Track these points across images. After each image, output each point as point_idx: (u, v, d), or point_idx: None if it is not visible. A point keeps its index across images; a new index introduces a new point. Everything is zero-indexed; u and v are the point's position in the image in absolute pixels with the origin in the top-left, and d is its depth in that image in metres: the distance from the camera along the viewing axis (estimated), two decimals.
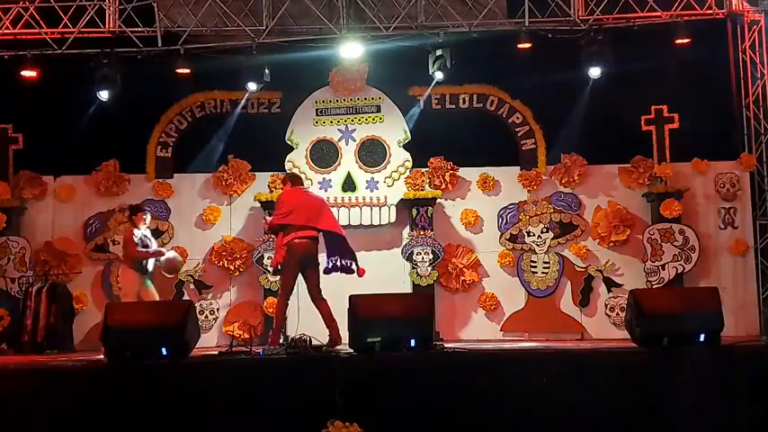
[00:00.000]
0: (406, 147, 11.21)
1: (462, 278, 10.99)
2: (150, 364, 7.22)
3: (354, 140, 11.21)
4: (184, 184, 11.33)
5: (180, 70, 10.65)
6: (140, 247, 8.92)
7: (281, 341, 8.95)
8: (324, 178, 11.10)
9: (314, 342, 8.06)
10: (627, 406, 6.86)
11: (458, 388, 6.89)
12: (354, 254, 8.98)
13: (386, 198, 11.06)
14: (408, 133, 11.19)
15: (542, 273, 11.09)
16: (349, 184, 11.10)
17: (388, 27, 10.66)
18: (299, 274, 8.76)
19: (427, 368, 7.09)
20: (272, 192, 11.00)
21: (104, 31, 10.78)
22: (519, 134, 11.37)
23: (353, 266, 8.92)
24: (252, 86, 10.73)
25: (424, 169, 11.24)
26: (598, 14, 10.63)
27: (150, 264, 9.10)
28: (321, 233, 8.89)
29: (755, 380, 6.93)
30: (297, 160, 11.14)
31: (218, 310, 11.03)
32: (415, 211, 10.96)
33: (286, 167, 11.07)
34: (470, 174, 11.31)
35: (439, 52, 10.54)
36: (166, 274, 9.60)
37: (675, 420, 6.82)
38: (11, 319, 10.42)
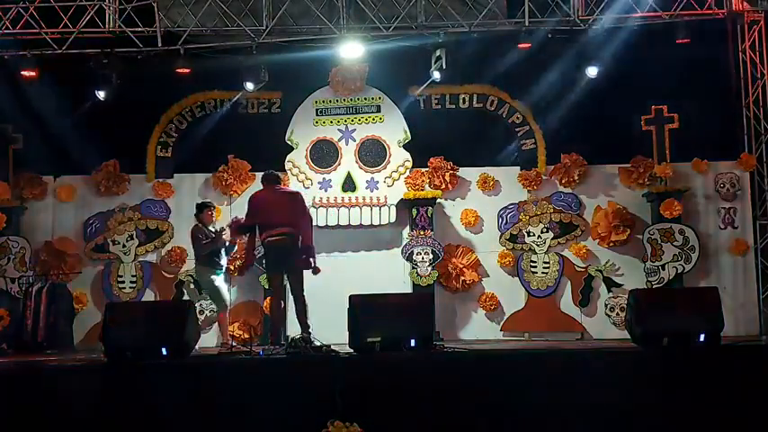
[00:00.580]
0: (406, 147, 11.21)
1: (462, 278, 10.98)
2: (150, 364, 7.23)
3: (354, 140, 11.21)
4: (184, 184, 11.33)
5: (180, 70, 10.65)
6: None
7: (281, 341, 9.00)
8: (324, 178, 11.10)
9: (314, 342, 8.09)
10: (627, 406, 6.85)
11: (458, 388, 6.89)
12: (312, 251, 8.84)
13: (386, 198, 11.06)
14: (408, 133, 11.19)
15: (542, 273, 11.09)
16: (349, 184, 11.09)
17: (388, 27, 10.66)
18: (280, 271, 8.80)
19: (427, 368, 7.10)
20: None
21: (104, 31, 10.78)
22: (519, 134, 11.37)
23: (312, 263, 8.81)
24: (249, 86, 10.73)
25: (424, 169, 11.24)
26: (598, 14, 10.63)
27: (224, 259, 9.27)
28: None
29: (755, 380, 6.93)
30: (297, 160, 11.14)
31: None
32: (415, 211, 10.95)
33: (286, 167, 11.07)
34: (470, 174, 11.31)
35: (437, 53, 10.55)
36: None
37: (675, 420, 6.82)
38: (11, 319, 10.43)
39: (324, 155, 11.17)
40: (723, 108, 11.22)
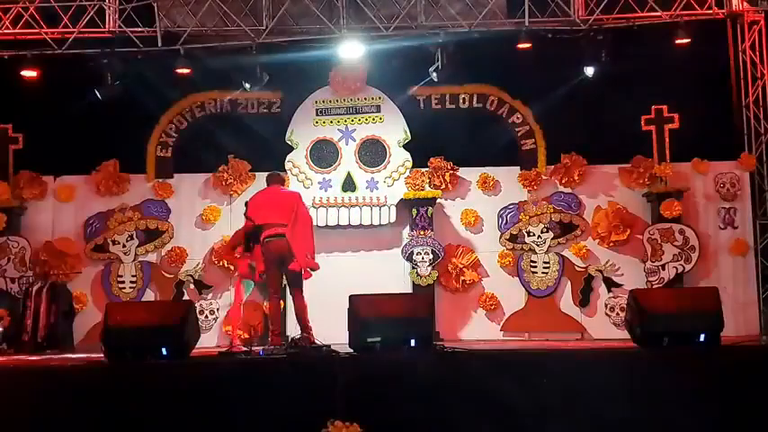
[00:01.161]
0: (406, 147, 11.21)
1: (462, 278, 10.98)
2: (150, 364, 7.23)
3: (354, 140, 11.21)
4: (184, 184, 11.33)
5: (180, 70, 10.65)
6: None
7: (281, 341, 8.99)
8: (324, 178, 11.10)
9: (314, 342, 8.09)
10: (627, 406, 6.85)
11: (458, 388, 6.88)
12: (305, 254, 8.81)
13: (386, 198, 11.06)
14: (408, 133, 11.19)
15: (542, 273, 11.09)
16: (349, 184, 11.10)
17: (388, 27, 10.67)
18: (280, 271, 8.80)
19: (427, 368, 7.09)
20: None
21: (104, 31, 10.79)
22: (519, 134, 11.37)
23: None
24: (247, 86, 10.72)
25: (424, 169, 11.24)
26: (598, 14, 10.64)
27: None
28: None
29: (755, 380, 6.93)
30: (297, 160, 11.14)
31: (218, 310, 11.02)
32: (415, 211, 10.95)
33: (286, 167, 11.07)
34: (470, 174, 11.31)
35: (436, 55, 10.56)
36: None
37: (675, 420, 6.82)
38: (11, 319, 10.42)
39: (324, 155, 11.18)
40: (723, 108, 11.22)
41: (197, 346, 7.97)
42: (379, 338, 7.41)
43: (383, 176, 11.14)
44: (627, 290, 9.41)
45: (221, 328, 10.90)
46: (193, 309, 8.02)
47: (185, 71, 10.68)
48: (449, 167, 11.23)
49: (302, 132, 11.22)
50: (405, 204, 11.05)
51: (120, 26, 10.71)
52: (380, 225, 11.05)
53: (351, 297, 7.75)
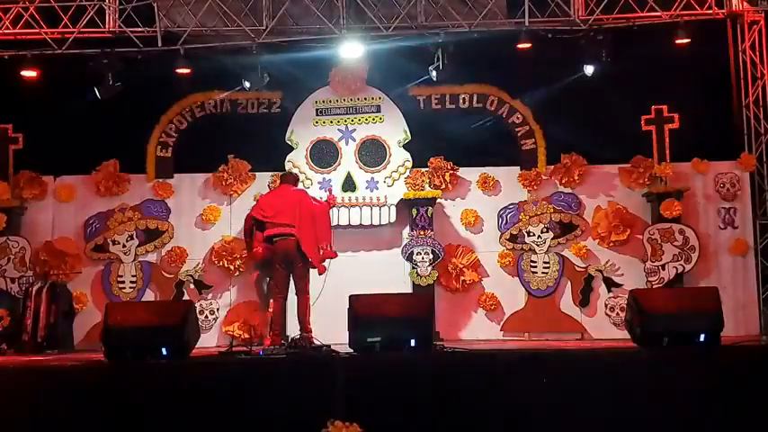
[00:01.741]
0: (406, 147, 11.21)
1: (462, 278, 10.98)
2: (150, 364, 7.23)
3: (354, 140, 11.21)
4: (184, 184, 11.32)
5: (180, 70, 10.65)
6: None
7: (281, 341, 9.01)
8: (324, 178, 11.10)
9: (314, 342, 8.09)
10: (627, 406, 6.85)
11: (458, 388, 6.89)
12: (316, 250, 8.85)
13: (386, 198, 11.06)
14: (408, 133, 11.19)
15: (542, 273, 11.09)
16: (349, 184, 11.09)
17: (388, 27, 10.66)
18: (287, 271, 8.82)
19: (427, 368, 7.09)
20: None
21: (104, 31, 10.79)
22: (519, 134, 11.37)
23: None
24: (247, 85, 10.72)
25: (424, 169, 11.24)
26: (598, 14, 10.64)
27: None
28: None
29: (755, 380, 6.93)
30: (297, 160, 11.13)
31: (218, 310, 11.02)
32: (415, 211, 10.95)
33: (286, 167, 11.07)
34: (470, 174, 11.31)
35: (437, 54, 10.56)
36: None
37: (675, 421, 6.82)
38: (11, 319, 10.41)
39: (324, 155, 11.17)
40: (723, 108, 11.22)
41: (197, 346, 7.97)
42: (379, 338, 7.41)
43: (383, 176, 11.13)
44: (627, 290, 9.41)
45: (221, 328, 10.90)
46: (193, 309, 8.03)
47: (185, 71, 10.68)
48: (449, 167, 11.23)
49: (302, 132, 11.22)
50: (405, 204, 11.05)
51: (120, 26, 10.70)
52: (380, 225, 11.05)
53: (351, 297, 7.75)
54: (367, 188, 11.09)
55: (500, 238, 11.18)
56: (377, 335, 7.44)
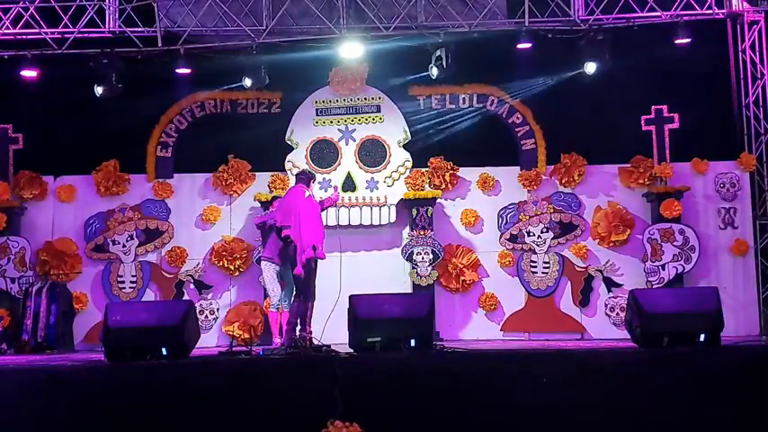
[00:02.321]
0: (406, 147, 11.21)
1: (462, 278, 10.98)
2: (150, 364, 7.23)
3: (354, 140, 11.21)
4: (184, 184, 11.33)
5: (180, 70, 10.66)
6: None
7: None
8: (324, 178, 11.09)
9: (314, 342, 8.10)
10: (627, 406, 6.85)
11: (458, 388, 6.88)
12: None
13: (386, 198, 11.06)
14: (408, 133, 11.19)
15: (542, 273, 11.09)
16: (349, 184, 11.09)
17: (388, 27, 10.66)
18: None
19: (427, 368, 7.09)
20: (272, 192, 11.00)
21: (104, 31, 10.78)
22: (519, 134, 11.37)
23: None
24: (248, 82, 10.72)
25: (424, 169, 11.24)
26: (598, 14, 10.64)
27: (268, 249, 9.56)
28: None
29: (755, 380, 6.93)
30: (297, 160, 11.13)
31: (218, 310, 11.03)
32: (415, 211, 10.96)
33: (286, 167, 11.07)
34: (470, 174, 11.31)
35: (438, 53, 10.56)
36: None
37: (675, 420, 6.82)
38: (11, 319, 10.42)
39: (324, 155, 11.17)
40: (723, 108, 11.22)
41: (197, 346, 7.97)
42: (379, 338, 7.41)
43: (383, 176, 11.13)
44: (627, 290, 9.42)
45: (221, 328, 10.90)
46: (193, 309, 8.03)
47: (185, 71, 10.69)
48: (449, 167, 11.23)
49: (302, 132, 11.21)
50: (405, 204, 11.05)
51: (120, 26, 10.71)
52: (380, 225, 11.05)
53: (351, 297, 7.76)
54: (367, 188, 11.09)
55: (500, 238, 11.18)
56: (377, 335, 7.44)
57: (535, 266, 11.11)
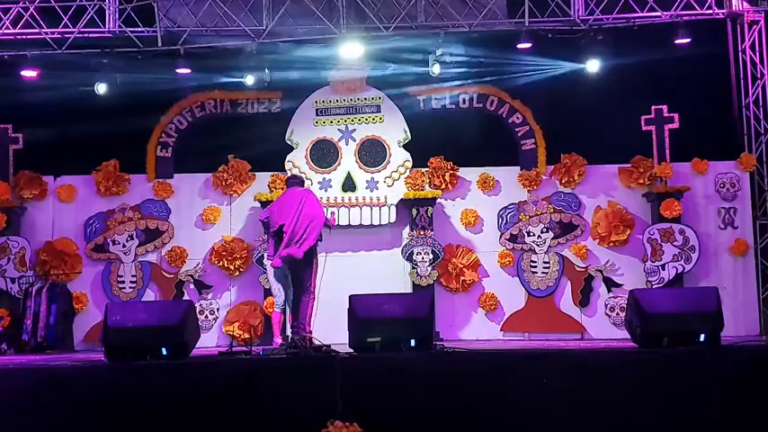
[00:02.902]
0: (406, 147, 11.21)
1: (462, 278, 10.98)
2: (150, 364, 7.23)
3: (354, 140, 11.21)
4: (184, 184, 11.33)
5: (180, 70, 10.66)
6: None
7: (280, 341, 9.00)
8: (324, 178, 11.10)
9: (314, 342, 8.09)
10: (627, 406, 6.85)
11: (458, 388, 6.88)
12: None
13: (386, 198, 11.06)
14: (408, 133, 11.19)
15: (542, 273, 11.09)
16: (349, 184, 11.09)
17: (388, 27, 10.66)
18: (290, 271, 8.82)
19: (427, 368, 7.09)
20: (272, 192, 11.00)
21: (104, 31, 10.79)
22: (519, 134, 11.37)
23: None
24: (250, 80, 10.71)
25: (424, 169, 11.24)
26: (598, 14, 10.64)
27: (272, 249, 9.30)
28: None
29: (755, 380, 6.93)
30: (297, 160, 11.13)
31: (218, 310, 11.03)
32: (415, 211, 10.96)
33: (286, 167, 11.07)
34: (470, 174, 11.31)
35: (439, 52, 10.57)
36: None
37: (675, 420, 6.82)
38: (11, 319, 10.42)
39: (324, 155, 11.17)
40: (723, 108, 11.22)
41: (197, 346, 7.97)
42: (379, 338, 7.41)
43: (383, 176, 11.13)
44: (627, 290, 9.41)
45: (221, 328, 10.91)
46: (193, 309, 8.03)
47: (185, 71, 10.69)
48: (449, 167, 11.23)
49: (302, 132, 11.21)
50: (405, 204, 11.05)
51: (120, 26, 10.71)
52: (380, 225, 11.05)
53: (351, 297, 7.75)
54: (367, 188, 11.09)
55: (500, 238, 11.18)
56: (377, 335, 7.43)
57: (535, 266, 11.11)
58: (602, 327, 10.91)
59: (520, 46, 10.61)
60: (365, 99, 11.28)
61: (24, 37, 10.75)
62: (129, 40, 10.58)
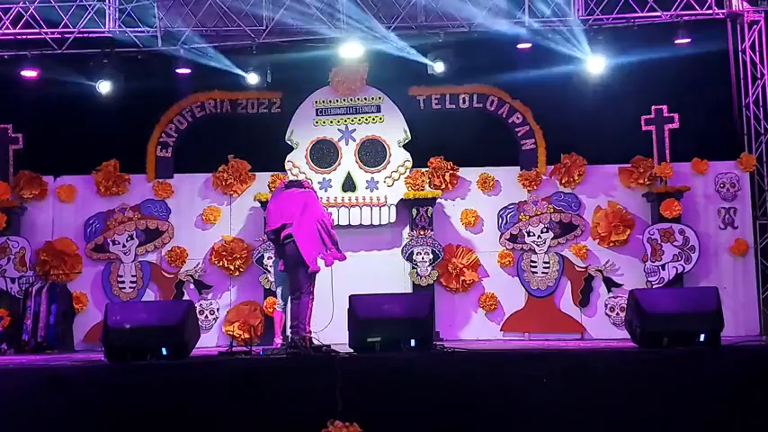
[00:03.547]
0: (406, 147, 11.21)
1: (462, 278, 10.98)
2: (150, 364, 7.22)
3: (354, 140, 11.21)
4: (184, 184, 11.33)
5: (180, 70, 10.67)
6: None
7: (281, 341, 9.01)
8: (324, 178, 11.10)
9: (314, 342, 8.09)
10: (627, 406, 6.85)
11: (458, 388, 6.88)
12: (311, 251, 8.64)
13: (386, 198, 11.06)
14: (408, 133, 11.19)
15: (542, 273, 11.09)
16: (349, 184, 11.09)
17: (388, 27, 10.66)
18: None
19: (427, 368, 7.08)
20: (272, 192, 10.98)
21: (104, 31, 10.79)
22: (519, 134, 11.37)
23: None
24: (253, 78, 10.72)
25: (424, 169, 11.24)
26: (598, 14, 10.64)
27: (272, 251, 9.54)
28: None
29: (755, 380, 6.93)
30: (297, 160, 11.13)
31: (218, 310, 11.03)
32: (415, 211, 10.96)
33: (286, 167, 11.07)
34: (470, 174, 11.31)
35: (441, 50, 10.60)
36: None
37: (675, 420, 6.82)
38: (11, 319, 10.43)
39: (324, 155, 11.17)
40: (723, 108, 11.21)
41: (197, 346, 7.97)
42: (379, 338, 7.40)
43: (383, 176, 11.13)
44: (627, 290, 9.41)
45: (221, 328, 10.91)
46: (193, 309, 8.02)
47: (185, 71, 10.69)
48: (449, 167, 11.23)
49: (302, 132, 11.22)
50: (405, 204, 11.05)
51: (120, 26, 10.71)
52: (380, 225, 11.06)
53: (351, 297, 7.74)
54: (367, 188, 11.09)
55: (500, 238, 11.18)
56: (377, 335, 7.43)
57: (535, 266, 11.11)
58: (602, 327, 10.91)
59: (520, 46, 10.61)
60: (365, 99, 11.28)
61: (24, 37, 10.76)
62: (129, 40, 10.58)
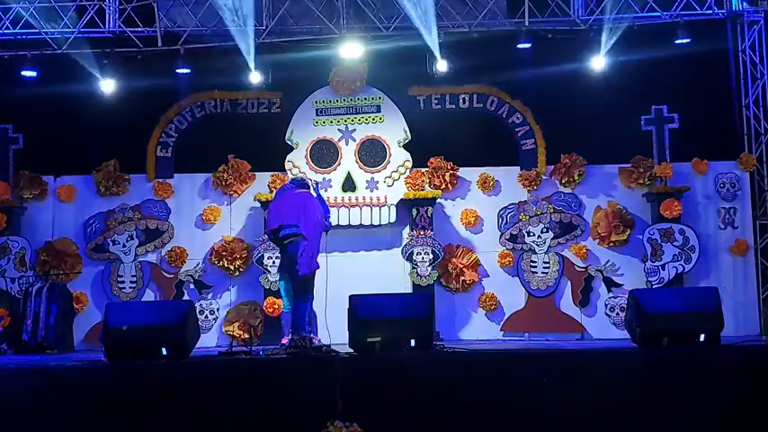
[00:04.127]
0: (406, 147, 11.20)
1: (462, 278, 10.98)
2: (150, 364, 7.23)
3: (354, 140, 11.21)
4: (184, 184, 11.33)
5: (180, 70, 10.67)
6: None
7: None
8: (324, 178, 11.09)
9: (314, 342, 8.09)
10: (627, 406, 6.85)
11: (458, 388, 6.88)
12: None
13: (386, 198, 11.06)
14: (408, 133, 11.19)
15: (542, 273, 11.09)
16: (349, 184, 11.08)
17: (388, 27, 10.67)
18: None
19: (427, 368, 7.09)
20: (271, 192, 10.99)
21: (104, 31, 10.79)
22: (519, 134, 11.37)
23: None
24: (256, 77, 10.73)
25: (424, 169, 11.24)
26: (598, 14, 10.64)
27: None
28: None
29: (755, 380, 6.93)
30: (297, 160, 11.13)
31: (218, 310, 11.03)
32: (415, 211, 10.96)
33: (286, 167, 11.07)
34: (470, 174, 11.31)
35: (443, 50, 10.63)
36: None
37: (675, 420, 6.82)
38: (11, 319, 10.42)
39: (324, 155, 11.16)
40: (723, 108, 11.22)
41: (197, 346, 7.97)
42: (379, 338, 7.41)
43: (383, 176, 11.13)
44: (627, 290, 9.41)
45: (221, 329, 10.90)
46: (193, 309, 8.03)
47: (185, 71, 10.69)
48: (449, 167, 11.23)
49: (302, 132, 11.21)
50: (405, 204, 11.04)
51: (120, 26, 10.72)
52: (380, 225, 11.05)
53: (351, 297, 7.74)
54: (367, 188, 11.09)
55: (500, 238, 11.18)
56: (377, 335, 7.43)
57: (535, 266, 11.11)
58: (602, 327, 10.90)
59: (520, 46, 10.61)
60: (365, 99, 11.27)
61: (24, 37, 10.76)
62: (129, 40, 10.59)
